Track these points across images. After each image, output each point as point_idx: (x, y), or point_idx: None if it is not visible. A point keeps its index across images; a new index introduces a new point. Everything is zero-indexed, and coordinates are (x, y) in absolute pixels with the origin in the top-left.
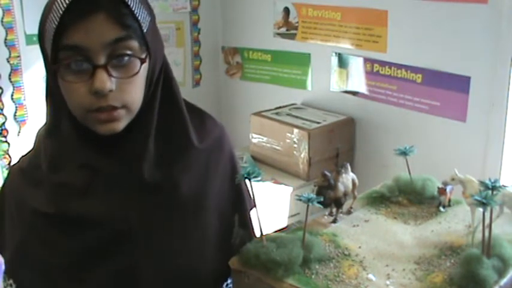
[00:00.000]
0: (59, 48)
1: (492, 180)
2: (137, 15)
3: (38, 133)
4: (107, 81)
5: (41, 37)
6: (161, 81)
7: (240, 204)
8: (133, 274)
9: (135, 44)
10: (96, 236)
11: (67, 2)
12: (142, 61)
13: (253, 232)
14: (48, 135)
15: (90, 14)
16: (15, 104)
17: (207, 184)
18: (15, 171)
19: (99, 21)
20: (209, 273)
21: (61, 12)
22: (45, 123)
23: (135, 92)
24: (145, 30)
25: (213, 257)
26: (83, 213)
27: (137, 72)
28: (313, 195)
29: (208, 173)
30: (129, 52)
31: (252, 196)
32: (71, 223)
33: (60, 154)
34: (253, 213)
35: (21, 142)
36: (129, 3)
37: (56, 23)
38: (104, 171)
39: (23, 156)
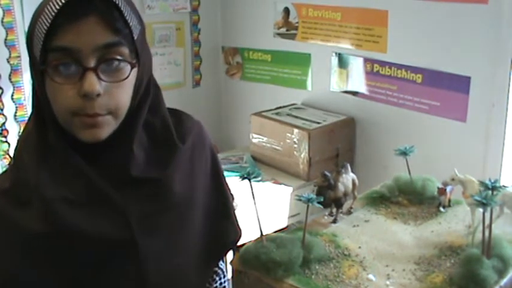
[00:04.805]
0: (49, 50)
1: (492, 181)
2: (128, 21)
3: (17, 148)
4: (96, 84)
5: (30, 41)
6: (150, 94)
7: (221, 194)
8: (141, 280)
9: (125, 50)
10: (99, 249)
11: (59, 4)
12: (133, 66)
13: (237, 221)
14: (35, 148)
15: (83, 16)
16: (16, 104)
17: (194, 181)
18: None
19: (91, 24)
20: (197, 268)
21: (53, 14)
22: (27, 137)
23: (123, 98)
24: (135, 38)
25: (199, 251)
26: (83, 227)
27: (127, 77)
28: (313, 196)
29: (194, 170)
30: (119, 57)
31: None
32: (71, 239)
33: (51, 167)
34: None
35: None
36: (121, 8)
37: (48, 24)
38: (97, 181)
39: None
